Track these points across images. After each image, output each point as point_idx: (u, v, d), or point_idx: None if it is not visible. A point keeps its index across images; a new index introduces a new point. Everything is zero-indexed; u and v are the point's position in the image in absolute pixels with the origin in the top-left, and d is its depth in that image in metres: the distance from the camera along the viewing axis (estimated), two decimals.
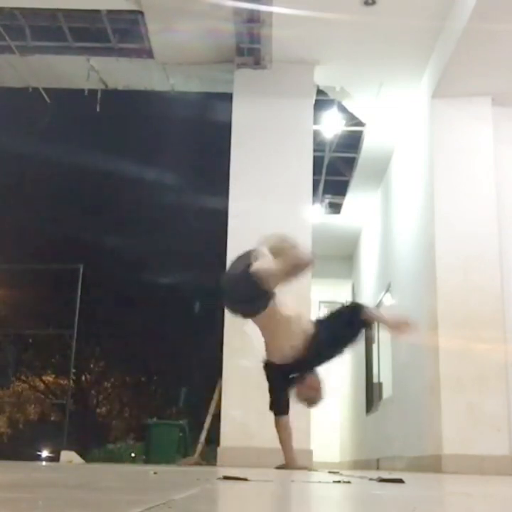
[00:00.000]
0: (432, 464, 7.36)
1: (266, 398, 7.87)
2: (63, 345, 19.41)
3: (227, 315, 7.95)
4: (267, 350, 5.36)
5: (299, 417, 7.60)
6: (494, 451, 7.18)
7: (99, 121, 18.11)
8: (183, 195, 24.15)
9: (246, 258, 5.02)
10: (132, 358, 26.47)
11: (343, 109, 9.95)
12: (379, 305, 11.88)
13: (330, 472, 5.28)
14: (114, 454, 19.58)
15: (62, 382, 24.98)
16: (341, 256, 15.18)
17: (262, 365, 5.42)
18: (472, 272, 7.68)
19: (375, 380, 12.46)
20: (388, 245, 11.00)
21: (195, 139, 22.93)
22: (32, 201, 22.84)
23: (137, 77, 9.30)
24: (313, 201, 10.13)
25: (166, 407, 26.34)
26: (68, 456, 9.19)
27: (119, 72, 9.18)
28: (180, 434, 11.55)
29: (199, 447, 9.77)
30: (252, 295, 4.93)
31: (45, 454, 26.02)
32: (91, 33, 8.67)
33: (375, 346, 12.43)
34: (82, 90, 9.37)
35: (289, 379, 5.36)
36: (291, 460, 5.59)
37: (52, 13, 8.41)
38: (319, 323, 5.41)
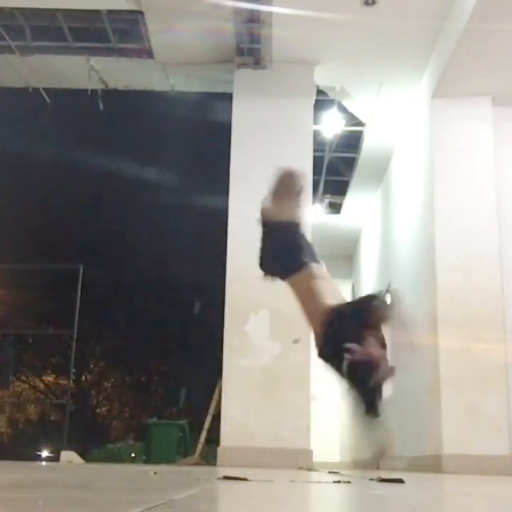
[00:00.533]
0: (432, 464, 7.36)
1: (266, 398, 7.89)
2: (63, 345, 19.41)
3: (228, 315, 7.96)
4: None
5: (299, 417, 7.62)
6: (494, 451, 7.18)
7: (100, 121, 18.11)
8: (183, 195, 24.14)
9: None
10: (132, 358, 26.46)
11: (343, 109, 9.95)
12: None
13: (330, 472, 5.28)
14: (114, 454, 19.58)
15: (62, 382, 24.98)
16: (341, 256, 15.17)
17: None
18: (472, 271, 7.68)
19: None
20: (388, 245, 10.99)
21: (195, 138, 22.93)
22: (32, 201, 22.84)
23: (137, 77, 9.30)
24: (313, 201, 10.13)
25: (166, 407, 26.34)
26: (68, 456, 9.19)
27: (119, 72, 9.18)
28: (180, 434, 11.55)
29: (199, 447, 9.77)
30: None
31: (45, 454, 26.02)
32: (91, 33, 8.66)
33: None
34: (82, 90, 9.37)
35: None
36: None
37: (52, 13, 8.41)
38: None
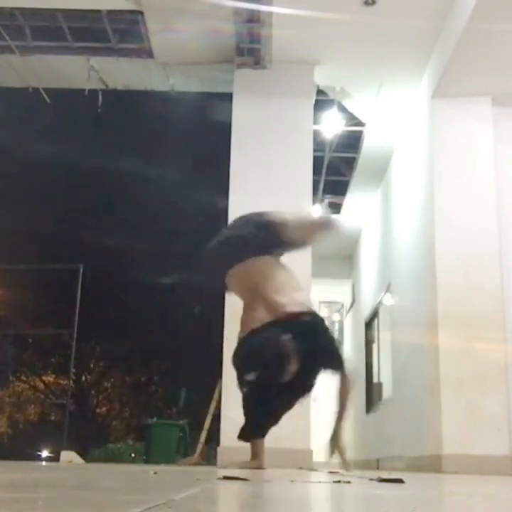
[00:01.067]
0: (432, 464, 7.36)
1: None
2: (63, 345, 19.42)
3: (227, 315, 7.95)
4: None
5: (299, 417, 7.61)
6: (494, 451, 7.18)
7: (100, 122, 18.11)
8: (183, 195, 24.14)
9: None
10: (132, 358, 26.46)
11: (343, 109, 9.95)
12: (379, 305, 11.89)
13: (330, 472, 5.27)
14: (114, 454, 19.59)
15: (62, 382, 24.98)
16: (341, 256, 15.18)
17: None
18: (472, 271, 7.68)
19: (375, 380, 12.46)
20: (388, 245, 11.00)
21: (196, 138, 22.94)
22: (32, 201, 22.84)
23: (137, 77, 9.30)
24: (313, 201, 10.13)
25: (166, 407, 26.33)
26: (68, 456, 9.20)
27: (119, 72, 9.18)
28: (180, 434, 11.55)
29: (199, 447, 9.77)
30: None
31: (45, 454, 26.02)
32: (91, 33, 8.67)
33: (375, 346, 12.43)
34: (82, 90, 9.37)
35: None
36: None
37: (52, 13, 8.41)
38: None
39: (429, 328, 7.85)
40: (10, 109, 11.53)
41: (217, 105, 10.75)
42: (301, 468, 6.64)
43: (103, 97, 9.50)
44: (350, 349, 15.40)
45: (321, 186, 12.43)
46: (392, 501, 2.11)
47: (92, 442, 22.62)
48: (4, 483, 2.49)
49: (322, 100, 9.55)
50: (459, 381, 7.38)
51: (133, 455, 19.61)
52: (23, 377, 26.85)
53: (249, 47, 8.38)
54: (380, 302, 11.71)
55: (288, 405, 4.67)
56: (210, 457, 10.08)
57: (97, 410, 28.48)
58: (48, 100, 9.58)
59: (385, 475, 3.78)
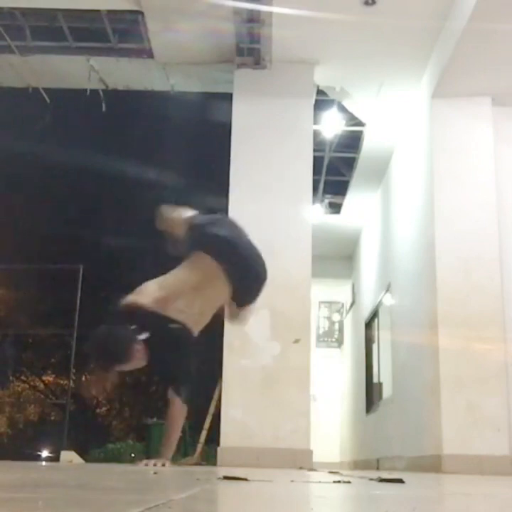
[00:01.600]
0: (432, 464, 7.36)
1: (266, 398, 7.89)
2: (63, 345, 19.41)
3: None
4: None
5: (299, 417, 7.62)
6: (494, 451, 7.18)
7: (100, 122, 18.11)
8: (183, 195, 24.12)
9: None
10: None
11: (343, 109, 9.95)
12: (379, 305, 11.89)
13: (330, 472, 5.27)
14: (114, 454, 19.56)
15: (62, 382, 24.97)
16: (341, 256, 15.18)
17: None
18: (472, 271, 7.68)
19: (375, 380, 12.46)
20: (388, 245, 11.00)
21: (196, 138, 22.93)
22: (32, 201, 22.84)
23: (137, 77, 9.30)
24: (313, 201, 10.13)
25: (166, 407, 26.29)
26: (68, 456, 9.20)
27: (119, 72, 9.18)
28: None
29: (199, 447, 9.77)
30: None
31: (45, 454, 26.01)
32: (91, 33, 8.66)
33: (375, 346, 12.43)
34: (82, 90, 9.37)
35: None
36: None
37: (52, 13, 8.41)
38: None
39: (429, 328, 7.85)
40: (10, 109, 11.53)
41: (217, 105, 10.74)
42: (301, 468, 6.64)
43: (103, 97, 9.50)
44: (350, 349, 15.41)
45: (321, 186, 12.44)
46: (392, 501, 2.11)
47: (92, 442, 22.58)
48: (4, 483, 2.49)
49: (322, 100, 9.55)
50: (459, 381, 7.38)
51: (133, 455, 19.59)
52: (23, 377, 26.84)
53: (249, 47, 8.38)
54: (380, 302, 11.71)
55: None
56: (210, 457, 10.08)
57: (97, 410, 28.48)
58: (48, 100, 9.58)
59: (385, 475, 3.78)
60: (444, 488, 3.26)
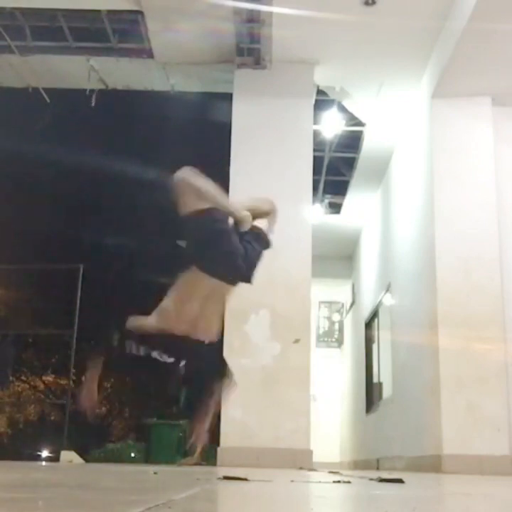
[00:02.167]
0: (432, 464, 7.36)
1: (266, 398, 7.89)
2: (63, 345, 19.40)
3: (228, 315, 7.95)
4: None
5: (299, 417, 7.62)
6: (494, 451, 7.18)
7: (100, 121, 18.10)
8: None
9: None
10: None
11: (343, 109, 9.95)
12: (379, 305, 11.88)
13: (330, 472, 5.27)
14: (114, 454, 19.56)
15: (62, 382, 24.97)
16: (341, 256, 15.18)
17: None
18: (472, 271, 7.68)
19: (375, 380, 12.46)
20: (388, 245, 11.00)
21: (196, 138, 22.93)
22: (32, 201, 22.82)
23: (137, 77, 9.30)
24: (313, 201, 10.13)
25: (165, 407, 26.33)
26: (68, 456, 9.19)
27: (119, 72, 9.18)
28: (181, 434, 11.55)
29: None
30: None
31: (45, 454, 26.02)
32: (91, 33, 8.66)
33: (375, 346, 12.43)
34: (83, 90, 9.37)
35: None
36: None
37: (52, 13, 8.41)
38: None
39: (429, 328, 7.85)
40: (10, 109, 11.53)
41: (217, 105, 10.74)
42: (301, 468, 6.64)
43: (103, 96, 9.50)
44: (350, 349, 15.41)
45: (321, 186, 12.43)
46: (392, 501, 2.11)
47: (92, 442, 22.57)
48: (4, 483, 2.49)
49: (322, 100, 9.55)
50: (459, 381, 7.38)
51: (133, 455, 19.59)
52: (23, 377, 26.83)
53: (249, 47, 8.38)
54: (380, 302, 11.71)
55: None
56: (210, 457, 10.07)
57: (97, 410, 28.48)
58: (48, 100, 9.58)
59: (385, 475, 3.78)
60: (444, 488, 3.26)
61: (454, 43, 7.31)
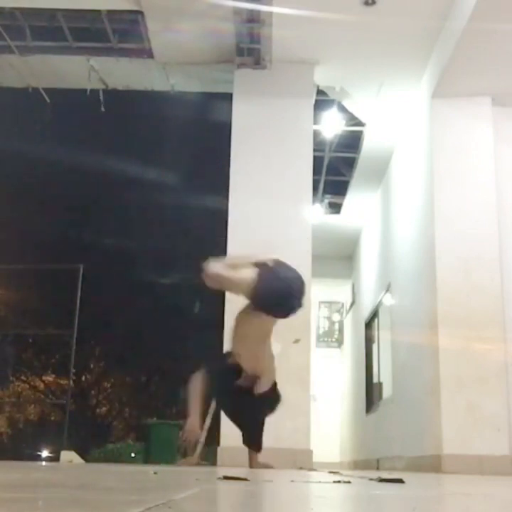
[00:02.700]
0: (432, 464, 7.36)
1: None
2: (63, 345, 19.40)
3: (227, 315, 7.95)
4: None
5: (299, 417, 7.62)
6: (494, 451, 7.18)
7: (99, 121, 18.11)
8: (183, 195, 24.14)
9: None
10: (132, 358, 26.46)
11: (343, 109, 9.95)
12: (379, 305, 11.88)
13: (330, 472, 5.27)
14: (114, 454, 19.58)
15: (62, 382, 24.97)
16: (341, 256, 15.18)
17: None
18: (472, 271, 7.68)
19: (375, 380, 12.46)
20: (388, 245, 11.00)
21: (196, 138, 22.93)
22: (32, 201, 22.83)
23: (137, 77, 9.30)
24: (313, 201, 10.13)
25: (166, 407, 26.34)
26: (68, 456, 9.18)
27: (119, 72, 9.18)
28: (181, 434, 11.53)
29: (199, 447, 9.76)
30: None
31: (45, 454, 26.03)
32: (91, 33, 8.66)
33: (375, 346, 12.43)
34: (82, 90, 9.37)
35: None
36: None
37: (52, 13, 8.41)
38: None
39: (429, 328, 7.85)
40: (10, 109, 11.53)
41: (217, 105, 10.75)
42: (301, 468, 6.64)
43: (103, 96, 9.50)
44: (350, 349, 15.41)
45: (321, 186, 12.43)
46: (392, 501, 2.11)
47: (92, 442, 22.58)
48: (4, 483, 2.49)
49: (322, 100, 9.55)
50: (459, 381, 7.38)
51: (133, 455, 19.60)
52: (23, 377, 26.85)
53: (249, 47, 8.38)
54: (380, 302, 11.71)
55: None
56: (210, 457, 10.07)
57: (97, 410, 28.48)
58: (48, 100, 9.58)
59: (385, 475, 3.78)
60: (444, 488, 3.26)
61: (454, 43, 7.31)
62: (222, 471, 4.57)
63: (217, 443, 7.66)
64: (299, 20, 7.63)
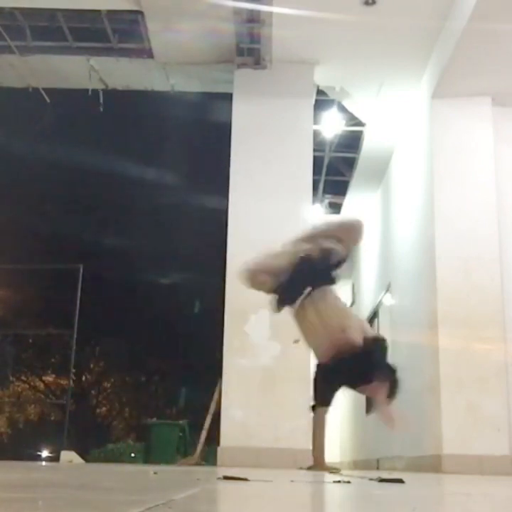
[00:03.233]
0: (432, 464, 7.36)
1: (266, 398, 7.89)
2: (63, 345, 19.40)
3: (228, 315, 7.96)
4: None
5: (299, 417, 7.61)
6: (494, 451, 7.18)
7: (99, 121, 18.10)
8: (183, 195, 24.14)
9: None
10: (132, 358, 26.46)
11: (343, 109, 9.96)
12: (379, 305, 11.88)
13: (330, 472, 5.28)
14: (114, 454, 19.57)
15: (62, 382, 24.97)
16: None
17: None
18: (472, 271, 7.68)
19: None
20: (388, 245, 10.99)
21: (196, 138, 22.92)
22: (32, 201, 22.83)
23: (137, 77, 9.30)
24: (313, 201, 10.13)
25: (166, 407, 26.34)
26: (68, 456, 9.18)
27: (119, 72, 9.18)
28: (180, 434, 11.55)
29: (199, 447, 9.76)
30: None
31: (45, 454, 26.02)
32: (91, 33, 8.66)
33: None
34: (82, 90, 9.37)
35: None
36: (319, 460, 5.25)
37: (52, 13, 8.41)
38: None
39: (429, 328, 7.85)
40: (10, 109, 11.53)
41: (217, 105, 10.75)
42: (301, 468, 6.64)
43: (103, 96, 9.50)
44: None
45: (321, 186, 12.43)
46: (392, 501, 2.11)
47: (92, 442, 22.57)
48: (4, 483, 2.49)
49: (322, 100, 9.55)
50: (459, 381, 7.38)
51: (133, 455, 19.60)
52: (23, 377, 26.84)
53: (249, 47, 8.38)
54: (380, 302, 11.70)
55: None
56: (210, 457, 10.07)
57: (97, 410, 28.48)
58: (48, 100, 9.57)
59: (385, 475, 3.78)
60: (444, 488, 3.26)
61: (454, 43, 7.31)
62: (222, 471, 4.57)
63: (217, 443, 7.66)
64: (299, 20, 7.63)
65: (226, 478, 3.01)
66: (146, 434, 12.12)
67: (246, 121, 8.56)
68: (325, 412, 4.88)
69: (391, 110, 9.53)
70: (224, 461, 7.44)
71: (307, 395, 7.79)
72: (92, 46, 8.80)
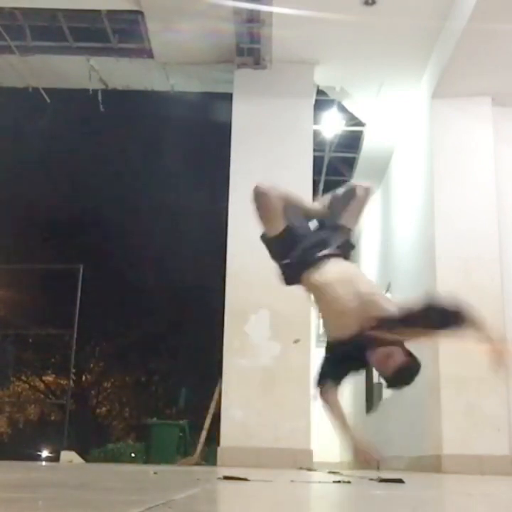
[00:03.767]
0: (432, 464, 7.36)
1: (266, 398, 7.89)
2: (63, 345, 19.40)
3: (228, 315, 7.96)
4: None
5: (299, 417, 7.62)
6: (494, 451, 7.18)
7: (99, 121, 18.10)
8: (183, 196, 24.13)
9: None
10: (132, 358, 26.46)
11: (343, 109, 9.95)
12: None
13: (330, 472, 5.27)
14: (114, 454, 19.56)
15: (62, 382, 24.96)
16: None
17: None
18: (472, 271, 7.68)
19: (375, 380, 12.46)
20: (388, 245, 11.00)
21: (196, 138, 22.91)
22: (32, 201, 22.82)
23: (137, 77, 9.31)
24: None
25: (166, 407, 26.32)
26: (68, 456, 9.18)
27: (119, 72, 9.18)
28: (180, 434, 11.54)
29: (199, 447, 9.77)
30: None
31: (45, 454, 26.02)
32: (91, 33, 8.66)
33: None
34: (82, 90, 9.37)
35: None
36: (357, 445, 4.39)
37: (52, 13, 8.41)
38: None
39: None
40: (10, 109, 11.53)
41: (217, 105, 10.74)
42: (301, 468, 6.64)
43: (103, 96, 9.50)
44: None
45: (321, 186, 12.42)
46: (392, 501, 2.11)
47: (92, 442, 22.57)
48: (4, 483, 2.49)
49: (322, 100, 9.55)
50: (459, 381, 7.38)
51: (133, 455, 19.59)
52: (23, 377, 26.83)
53: (249, 47, 8.38)
54: None
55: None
56: (210, 457, 10.08)
57: (97, 410, 28.47)
58: (48, 100, 9.57)
59: (385, 475, 3.78)
60: (444, 488, 3.26)
61: (454, 43, 7.31)
62: (222, 471, 4.57)
63: (217, 443, 7.66)
64: (299, 20, 7.63)
65: (226, 478, 3.01)
66: (146, 434, 12.11)
67: (246, 121, 8.56)
68: (336, 389, 4.08)
69: (391, 110, 9.53)
70: (224, 461, 7.44)
71: (307, 395, 7.80)
72: (92, 46, 8.80)
